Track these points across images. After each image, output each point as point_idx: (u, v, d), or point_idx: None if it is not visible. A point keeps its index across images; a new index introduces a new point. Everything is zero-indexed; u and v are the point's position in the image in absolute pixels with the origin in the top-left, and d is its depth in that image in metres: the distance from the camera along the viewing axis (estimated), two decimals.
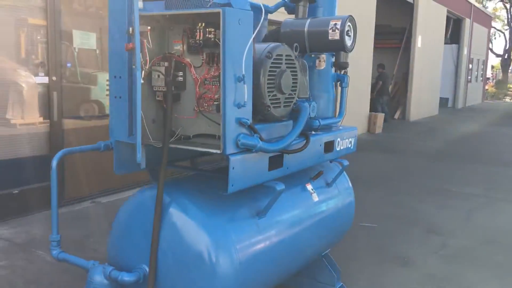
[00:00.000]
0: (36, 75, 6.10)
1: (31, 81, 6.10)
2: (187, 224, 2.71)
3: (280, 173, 3.02)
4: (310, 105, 3.51)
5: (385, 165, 9.95)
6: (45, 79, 6.10)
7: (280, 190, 2.89)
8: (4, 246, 5.01)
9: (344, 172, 4.17)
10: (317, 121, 3.57)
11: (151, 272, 2.65)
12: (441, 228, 6.03)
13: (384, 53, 19.00)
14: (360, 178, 8.55)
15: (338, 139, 3.71)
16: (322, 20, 3.37)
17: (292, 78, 3.02)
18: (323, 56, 3.71)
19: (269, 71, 2.82)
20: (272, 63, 2.84)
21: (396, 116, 19.46)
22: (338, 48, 3.33)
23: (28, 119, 6.16)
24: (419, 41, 18.67)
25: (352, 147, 3.96)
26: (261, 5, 2.65)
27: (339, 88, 4.02)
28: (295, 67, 3.04)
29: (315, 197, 3.57)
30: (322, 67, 3.77)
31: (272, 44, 2.90)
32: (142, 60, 2.53)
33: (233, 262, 2.73)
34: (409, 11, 18.24)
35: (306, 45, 3.42)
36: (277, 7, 3.74)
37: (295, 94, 3.08)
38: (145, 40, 2.51)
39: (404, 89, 19.38)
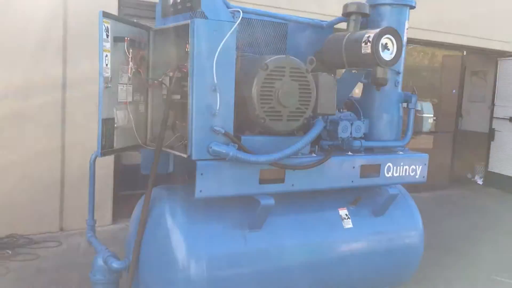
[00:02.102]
0: None
1: None
2: (170, 228, 2.83)
3: (280, 189, 2.92)
4: (352, 124, 3.31)
5: None
6: None
7: (265, 205, 2.79)
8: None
9: (414, 204, 3.69)
10: (358, 141, 3.30)
11: (133, 264, 2.87)
12: None
13: None
14: None
15: (389, 164, 3.34)
16: (359, 34, 3.12)
17: (300, 92, 2.89)
18: None
19: (265, 82, 2.78)
20: (269, 75, 2.79)
21: None
22: (371, 62, 3.03)
23: None
24: None
25: (418, 177, 3.49)
26: (232, 20, 2.65)
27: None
28: (306, 81, 2.91)
29: (347, 224, 3.26)
30: None
31: (275, 56, 2.85)
32: (134, 68, 2.83)
33: (203, 273, 2.74)
34: None
35: (344, 60, 3.21)
36: (331, 23, 3.58)
37: (306, 108, 2.93)
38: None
39: None
